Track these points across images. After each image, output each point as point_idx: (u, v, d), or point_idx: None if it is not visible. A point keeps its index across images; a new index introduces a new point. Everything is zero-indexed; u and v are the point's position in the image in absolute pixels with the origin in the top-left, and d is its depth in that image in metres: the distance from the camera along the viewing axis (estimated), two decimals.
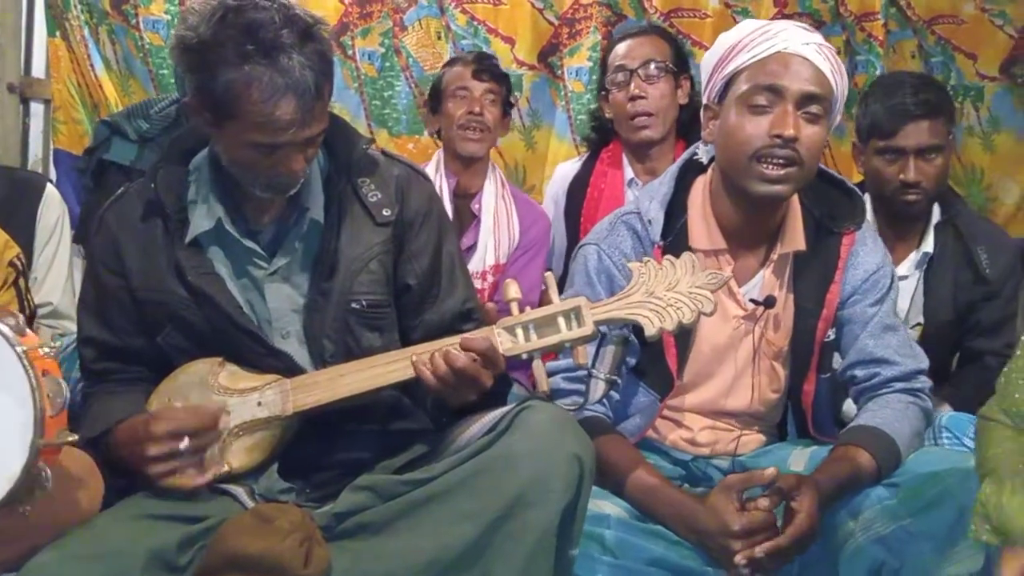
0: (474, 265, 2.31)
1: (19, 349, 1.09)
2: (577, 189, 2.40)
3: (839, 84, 1.52)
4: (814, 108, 1.49)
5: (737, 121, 1.51)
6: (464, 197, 2.37)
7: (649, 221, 1.58)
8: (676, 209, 1.60)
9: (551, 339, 1.34)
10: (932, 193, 2.06)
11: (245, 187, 1.43)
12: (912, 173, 2.01)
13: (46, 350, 1.13)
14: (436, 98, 2.40)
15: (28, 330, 1.15)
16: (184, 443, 1.34)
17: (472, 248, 2.34)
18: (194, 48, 1.33)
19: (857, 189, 1.66)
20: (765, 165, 1.49)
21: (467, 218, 2.37)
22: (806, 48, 1.49)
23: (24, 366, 1.08)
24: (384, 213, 1.47)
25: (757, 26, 1.55)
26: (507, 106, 2.41)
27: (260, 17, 1.31)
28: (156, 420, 1.36)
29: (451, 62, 2.46)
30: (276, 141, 1.34)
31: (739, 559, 1.34)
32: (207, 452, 1.38)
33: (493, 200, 2.37)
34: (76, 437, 1.17)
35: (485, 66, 2.37)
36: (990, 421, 1.32)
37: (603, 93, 2.38)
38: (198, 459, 1.37)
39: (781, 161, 1.48)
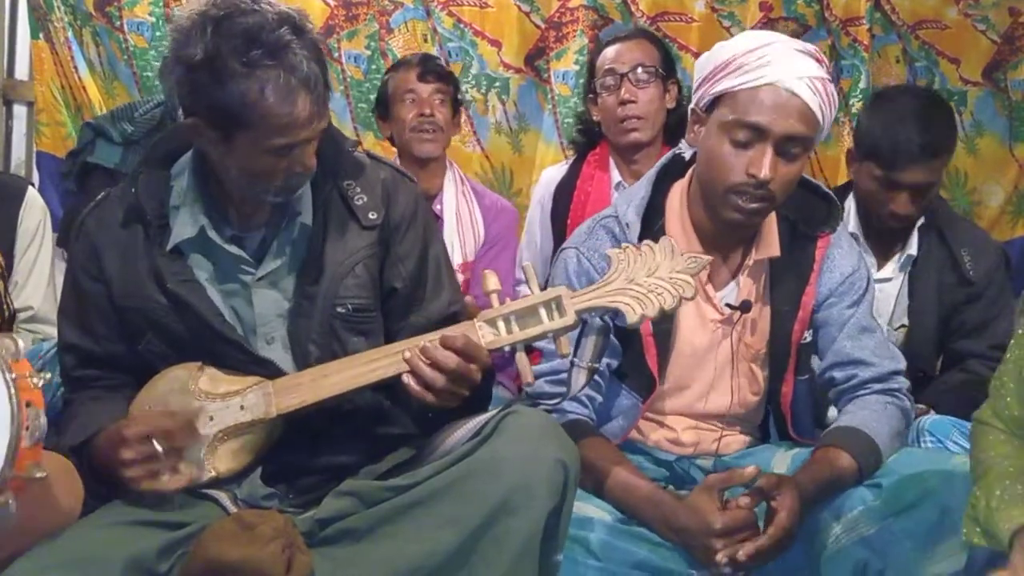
0: None
1: (9, 376, 1.07)
2: (563, 193, 2.39)
3: (827, 116, 1.50)
4: (795, 149, 1.49)
5: (718, 148, 1.50)
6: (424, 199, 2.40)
7: (627, 225, 1.59)
8: (654, 213, 1.61)
9: (534, 330, 1.33)
10: (918, 218, 2.07)
11: (255, 195, 1.40)
12: (903, 207, 2.01)
13: (35, 380, 1.11)
14: (384, 104, 2.43)
15: (23, 358, 1.13)
16: (157, 446, 1.33)
17: None
18: (199, 65, 1.29)
19: (832, 194, 1.66)
20: (739, 197, 1.50)
21: None
22: (798, 83, 1.45)
23: (10, 394, 1.06)
24: (370, 216, 1.46)
25: (753, 46, 1.48)
26: (456, 104, 2.43)
27: (254, 20, 1.29)
28: (129, 424, 1.35)
29: (395, 67, 2.48)
30: (295, 140, 1.33)
31: (720, 558, 1.35)
32: (187, 457, 1.37)
33: (454, 199, 2.40)
34: (45, 474, 1.13)
35: (430, 67, 2.39)
36: (984, 425, 1.33)
37: (591, 96, 2.38)
38: (175, 464, 1.35)
39: (754, 198, 1.49)
